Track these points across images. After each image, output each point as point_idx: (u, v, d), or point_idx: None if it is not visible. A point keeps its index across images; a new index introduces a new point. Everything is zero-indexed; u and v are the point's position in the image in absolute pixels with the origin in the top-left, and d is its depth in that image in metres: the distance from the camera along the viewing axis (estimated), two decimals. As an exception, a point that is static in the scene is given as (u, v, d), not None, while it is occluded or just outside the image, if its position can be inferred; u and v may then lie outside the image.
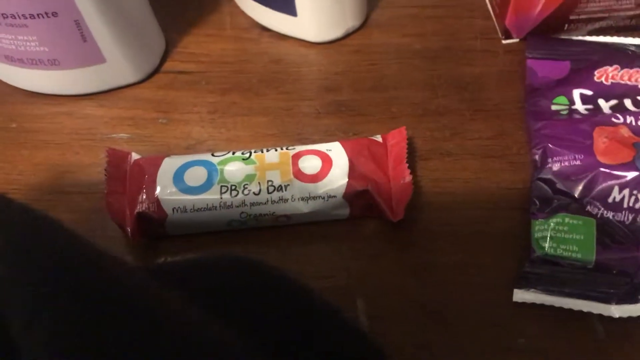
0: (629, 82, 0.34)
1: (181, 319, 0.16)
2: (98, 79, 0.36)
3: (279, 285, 0.20)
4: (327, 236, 0.31)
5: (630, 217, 0.29)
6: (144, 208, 0.29)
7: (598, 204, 0.29)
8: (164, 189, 0.30)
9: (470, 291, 0.29)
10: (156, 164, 0.31)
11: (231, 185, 0.30)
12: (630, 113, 0.32)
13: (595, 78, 0.34)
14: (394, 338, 0.28)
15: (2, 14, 0.31)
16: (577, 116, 0.33)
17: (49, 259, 0.16)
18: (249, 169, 0.30)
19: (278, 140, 0.34)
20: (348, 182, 0.30)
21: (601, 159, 0.30)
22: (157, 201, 0.29)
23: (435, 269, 0.30)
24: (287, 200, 0.30)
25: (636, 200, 0.29)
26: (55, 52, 0.33)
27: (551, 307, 0.28)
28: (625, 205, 0.29)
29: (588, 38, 0.37)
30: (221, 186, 0.30)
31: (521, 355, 0.27)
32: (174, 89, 0.37)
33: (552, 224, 0.29)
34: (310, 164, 0.30)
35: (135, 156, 0.32)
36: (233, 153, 0.31)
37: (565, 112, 0.33)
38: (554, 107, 0.34)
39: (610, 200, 0.29)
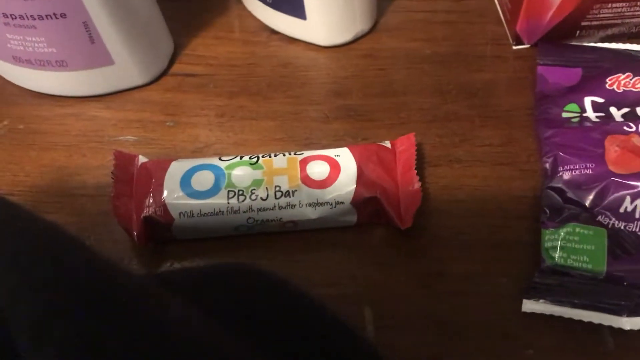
0: (641, 90, 0.33)
1: (194, 337, 0.16)
2: (106, 81, 0.35)
3: (283, 295, 0.20)
4: (335, 243, 0.31)
5: (642, 228, 0.29)
6: (150, 212, 0.29)
7: (609, 214, 0.29)
8: (171, 193, 0.29)
9: (479, 301, 0.29)
10: (163, 167, 0.30)
11: (238, 190, 0.29)
12: (643, 122, 0.31)
13: (607, 85, 0.34)
14: (402, 348, 0.28)
15: (11, 15, 0.31)
16: (588, 124, 0.32)
17: (58, 272, 0.15)
18: (256, 174, 0.30)
19: (286, 144, 0.34)
20: (356, 188, 0.30)
21: (613, 168, 0.30)
22: (164, 205, 0.29)
23: (443, 278, 0.29)
24: (294, 206, 0.29)
25: (648, 211, 0.29)
26: (63, 54, 0.33)
27: (561, 318, 0.28)
28: (637, 216, 0.29)
29: (600, 45, 0.36)
30: (228, 191, 0.29)
31: (530, 367, 0.27)
32: (181, 92, 0.37)
33: (562, 233, 0.29)
34: (318, 170, 0.30)
35: (142, 159, 0.31)
36: (241, 157, 0.31)
37: (576, 120, 0.33)
38: (564, 115, 0.33)
39: (621, 210, 0.29)
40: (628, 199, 0.29)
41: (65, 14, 0.31)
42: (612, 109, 0.33)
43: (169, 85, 0.37)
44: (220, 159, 0.31)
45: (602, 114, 0.33)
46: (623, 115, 0.32)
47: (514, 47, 0.38)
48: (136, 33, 0.34)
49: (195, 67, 0.38)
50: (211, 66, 0.38)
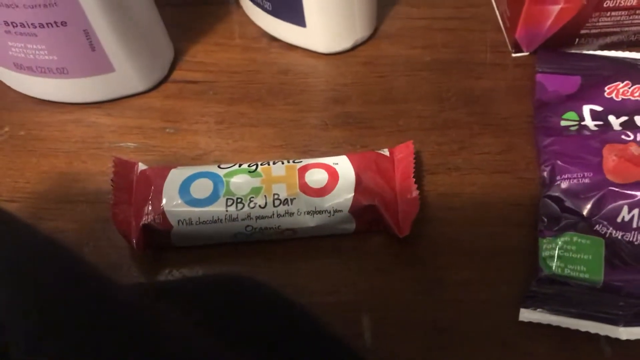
0: (639, 99, 0.33)
1: (188, 352, 0.16)
2: (106, 88, 0.36)
3: (278, 308, 0.20)
4: (333, 251, 0.31)
5: (640, 237, 0.29)
6: (149, 219, 0.29)
7: (607, 223, 0.29)
8: (170, 201, 0.30)
9: (477, 309, 0.29)
10: (163, 175, 0.31)
11: (237, 198, 0.30)
12: (641, 130, 0.31)
13: (605, 94, 0.34)
14: (400, 355, 0.28)
15: (12, 23, 0.31)
16: (587, 132, 0.32)
17: (53, 287, 0.15)
18: (255, 181, 0.30)
19: (285, 151, 0.34)
20: (354, 196, 0.30)
21: (610, 177, 0.30)
22: (163, 213, 0.29)
23: (441, 286, 0.30)
24: (292, 214, 0.30)
25: (646, 220, 0.29)
26: (64, 61, 0.33)
27: (558, 327, 0.28)
28: (634, 225, 0.29)
29: (599, 53, 0.37)
30: (227, 199, 0.30)
31: (527, 376, 0.27)
32: (181, 99, 0.37)
33: (560, 242, 0.29)
34: (316, 178, 0.30)
35: (142, 166, 0.32)
36: (239, 165, 0.31)
37: (574, 128, 0.33)
38: (563, 123, 0.33)
39: (619, 220, 0.29)
40: (626, 208, 0.29)
41: (66, 22, 0.31)
42: (611, 118, 0.33)
43: (169, 92, 0.37)
44: (219, 166, 0.31)
45: (601, 123, 0.33)
46: (621, 124, 0.33)
47: (513, 55, 0.38)
48: (136, 40, 0.34)
49: (196, 73, 0.38)
50: (211, 73, 0.38)
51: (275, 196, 0.30)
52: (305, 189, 0.30)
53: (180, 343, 0.16)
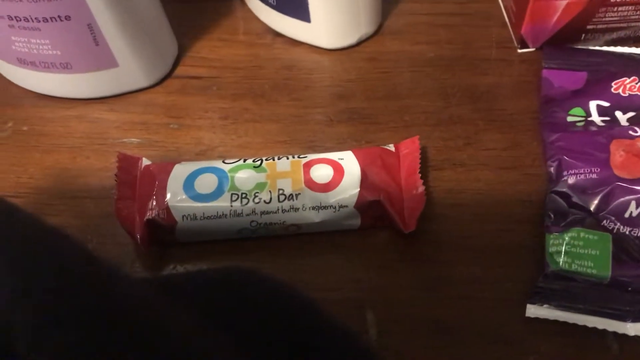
0: (646, 94, 0.33)
1: (196, 346, 0.16)
2: (110, 83, 0.35)
3: (285, 300, 0.20)
4: (338, 246, 0.31)
5: (647, 233, 0.28)
6: (153, 215, 0.29)
7: (614, 218, 0.29)
8: (174, 196, 0.29)
9: (483, 305, 0.29)
10: (167, 170, 0.30)
11: (242, 193, 0.29)
12: (648, 126, 0.31)
13: (612, 89, 0.34)
14: (405, 352, 0.28)
15: (16, 17, 0.31)
16: (593, 128, 0.32)
17: (59, 279, 0.15)
18: (260, 176, 0.30)
19: (289, 147, 0.34)
20: (360, 192, 0.30)
21: (618, 172, 0.30)
22: (167, 208, 0.29)
23: (447, 282, 0.29)
24: (297, 209, 0.29)
25: (653, 216, 0.28)
26: (68, 56, 0.33)
27: (565, 323, 0.28)
28: (642, 221, 0.28)
29: (605, 48, 0.36)
30: (232, 194, 0.29)
31: (533, 372, 0.27)
32: (185, 94, 0.37)
33: (567, 238, 0.29)
34: (321, 173, 0.30)
35: (145, 162, 0.31)
36: (244, 160, 0.31)
37: (581, 124, 0.33)
38: (569, 119, 0.33)
39: (626, 215, 0.29)
40: (633, 204, 0.29)
41: (69, 17, 0.31)
42: (618, 113, 0.33)
43: (173, 87, 0.37)
44: (223, 161, 0.31)
45: (608, 118, 0.33)
46: (629, 120, 0.32)
47: (519, 51, 0.38)
48: (140, 35, 0.34)
49: (199, 69, 0.38)
50: (215, 68, 0.38)
51: (280, 191, 0.29)
52: (311, 184, 0.30)
53: (187, 338, 0.16)
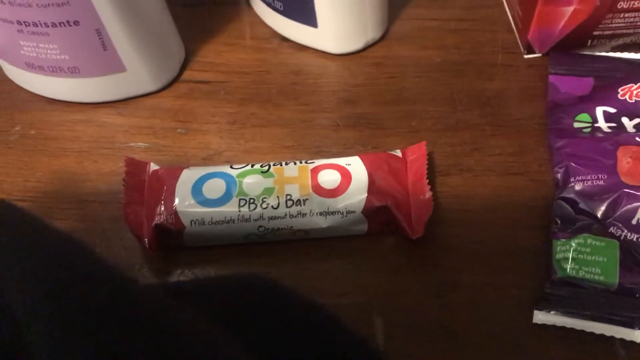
0: (653, 101, 0.33)
1: (214, 352, 0.16)
2: (117, 88, 0.36)
3: (296, 308, 0.20)
4: (345, 252, 0.31)
5: (654, 240, 0.28)
6: (161, 220, 0.29)
7: (621, 225, 0.29)
8: (182, 201, 0.29)
9: (490, 311, 0.29)
10: (175, 175, 0.30)
11: (249, 199, 0.29)
12: (655, 133, 0.31)
13: (619, 95, 0.34)
14: (412, 357, 0.28)
15: (24, 22, 0.31)
16: (600, 134, 0.32)
17: (77, 288, 0.15)
18: (267, 182, 0.30)
19: (296, 152, 0.34)
20: (367, 197, 0.30)
21: (625, 179, 0.30)
22: (175, 213, 0.29)
23: (454, 288, 0.29)
24: (305, 214, 0.29)
25: (660, 223, 0.29)
26: (76, 60, 0.33)
27: (572, 330, 0.28)
28: (649, 228, 0.28)
29: (612, 54, 0.36)
30: (239, 199, 0.29)
31: (541, 378, 0.27)
32: (192, 99, 0.37)
33: (574, 244, 0.29)
34: (329, 179, 0.30)
35: (153, 166, 0.32)
36: (252, 166, 0.31)
37: (587, 130, 0.33)
38: (576, 125, 0.33)
39: (634, 222, 0.29)
40: (640, 210, 0.29)
41: (78, 22, 0.31)
42: (624, 120, 0.33)
43: (180, 92, 0.37)
44: (231, 166, 0.31)
45: (614, 125, 0.33)
46: (635, 126, 0.32)
47: (526, 56, 0.38)
48: (148, 40, 0.34)
49: (207, 74, 0.38)
50: (222, 73, 0.38)
51: (288, 197, 0.30)
52: (318, 189, 0.30)
53: (201, 345, 0.16)
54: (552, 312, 0.28)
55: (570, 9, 0.34)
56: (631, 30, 0.36)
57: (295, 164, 0.31)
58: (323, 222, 0.30)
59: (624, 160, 0.30)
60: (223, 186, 0.30)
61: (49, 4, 0.30)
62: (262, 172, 0.30)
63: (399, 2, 0.41)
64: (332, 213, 0.30)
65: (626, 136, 0.31)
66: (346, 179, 0.30)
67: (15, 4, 0.30)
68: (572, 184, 0.30)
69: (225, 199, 0.30)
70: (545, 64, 0.37)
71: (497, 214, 0.32)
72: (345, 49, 0.38)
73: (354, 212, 0.30)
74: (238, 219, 0.29)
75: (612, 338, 0.27)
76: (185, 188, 0.30)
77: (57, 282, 0.16)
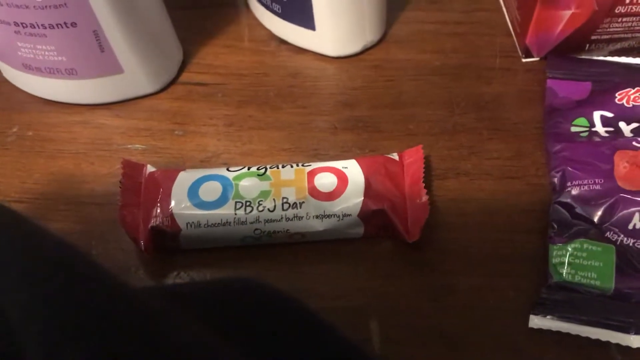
0: (651, 105, 0.33)
1: (187, 341, 0.16)
2: (115, 89, 0.35)
3: (290, 313, 0.20)
4: (341, 255, 0.31)
5: (651, 245, 0.28)
6: (158, 222, 0.29)
7: (618, 230, 0.29)
8: (179, 204, 0.29)
9: (486, 315, 0.29)
10: (171, 177, 0.30)
11: (246, 201, 0.29)
12: (652, 137, 0.31)
13: (616, 100, 0.34)
14: (407, 361, 0.28)
15: (22, 23, 0.31)
16: (597, 139, 0.32)
17: (71, 292, 0.15)
18: (264, 185, 0.30)
19: (293, 155, 0.34)
20: (364, 201, 0.30)
21: (622, 184, 0.30)
22: (171, 215, 0.29)
23: (450, 292, 0.29)
24: (301, 217, 0.29)
25: (657, 228, 0.28)
26: (73, 62, 0.33)
27: (568, 335, 0.28)
28: (646, 233, 0.28)
29: (610, 59, 0.36)
30: (236, 202, 0.29)
31: (536, 383, 0.27)
32: (190, 101, 0.37)
33: (570, 249, 0.29)
34: (325, 182, 0.30)
35: (150, 168, 0.31)
36: (248, 168, 0.31)
37: (585, 134, 0.33)
38: (573, 129, 0.33)
39: (630, 227, 0.29)
40: (637, 215, 0.29)
41: (75, 23, 0.31)
42: (622, 124, 0.33)
43: (178, 94, 0.37)
44: (228, 169, 0.31)
45: (611, 129, 0.33)
46: (632, 131, 0.32)
47: (523, 60, 0.38)
48: (146, 42, 0.34)
49: (204, 76, 0.38)
50: (220, 75, 0.38)
51: (284, 200, 0.30)
52: (315, 192, 0.30)
53: (199, 348, 0.16)
54: (548, 317, 0.28)
55: (568, 13, 0.34)
56: (629, 35, 0.36)
57: (291, 166, 0.31)
58: (319, 225, 0.30)
59: (621, 165, 0.30)
60: (219, 189, 0.30)
61: (46, 6, 0.30)
62: (258, 174, 0.30)
63: (398, 5, 0.41)
64: (329, 216, 0.30)
65: (623, 141, 0.31)
66: (343, 182, 0.30)
67: (12, 5, 0.30)
68: (569, 189, 0.30)
69: (221, 201, 0.30)
70: (543, 68, 0.37)
71: (494, 218, 0.32)
72: (343, 52, 0.38)
73: (350, 215, 0.30)
74: (234, 222, 0.29)
75: (608, 343, 0.27)
76: (181, 190, 0.30)
77: (53, 285, 0.16)
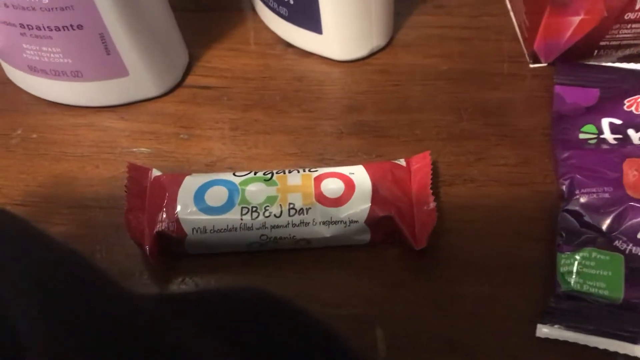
0: (660, 113, 0.33)
1: (194, 345, 0.15)
2: (120, 92, 0.35)
3: (294, 323, 0.20)
4: (348, 262, 0.30)
5: (660, 254, 0.28)
6: (163, 227, 0.29)
7: (626, 239, 0.29)
8: (184, 208, 0.29)
9: (493, 324, 0.28)
10: (177, 181, 0.30)
11: (252, 207, 0.29)
12: (661, 145, 0.31)
13: (625, 107, 0.33)
14: (414, 370, 0.28)
15: (28, 25, 0.31)
16: (606, 146, 0.32)
17: (76, 303, 0.15)
18: (270, 190, 0.30)
19: (299, 159, 0.34)
20: (371, 207, 0.29)
21: (630, 192, 0.29)
22: (177, 220, 0.29)
23: (457, 300, 0.29)
24: (308, 223, 0.29)
25: (666, 237, 0.28)
26: (79, 64, 0.33)
27: (575, 344, 0.27)
28: (655, 242, 0.28)
29: (618, 65, 0.36)
30: (242, 207, 0.29)
31: (543, 393, 0.27)
32: (195, 104, 0.36)
33: (578, 258, 0.28)
34: (332, 187, 0.30)
35: (155, 172, 0.31)
36: (255, 173, 0.31)
37: (593, 142, 0.32)
38: (581, 136, 0.33)
39: (639, 236, 0.28)
40: (646, 224, 0.28)
41: (82, 26, 0.31)
42: (630, 131, 0.33)
43: (183, 97, 0.37)
44: (234, 174, 0.31)
45: (620, 136, 0.32)
46: (641, 138, 0.32)
47: (531, 66, 0.38)
48: (152, 45, 0.34)
49: (210, 79, 0.38)
50: (226, 79, 0.38)
51: (291, 205, 0.29)
52: (321, 198, 0.30)
53: (201, 356, 0.16)
54: (555, 326, 0.27)
55: (577, 19, 0.34)
56: (638, 41, 0.36)
57: (298, 172, 0.31)
58: (326, 232, 0.29)
59: (630, 173, 0.30)
60: (225, 194, 0.30)
61: (52, 8, 0.30)
62: (265, 180, 0.30)
63: (405, 10, 0.40)
64: (335, 222, 0.29)
65: (632, 148, 0.31)
66: (350, 188, 0.30)
67: (18, 7, 0.30)
68: (577, 197, 0.30)
69: (227, 206, 0.29)
70: (551, 74, 0.36)
71: (501, 226, 0.31)
72: (349, 56, 0.38)
73: (357, 221, 0.29)
74: (240, 227, 0.29)
75: (615, 353, 0.27)
76: (187, 195, 0.30)
77: (56, 290, 0.15)
